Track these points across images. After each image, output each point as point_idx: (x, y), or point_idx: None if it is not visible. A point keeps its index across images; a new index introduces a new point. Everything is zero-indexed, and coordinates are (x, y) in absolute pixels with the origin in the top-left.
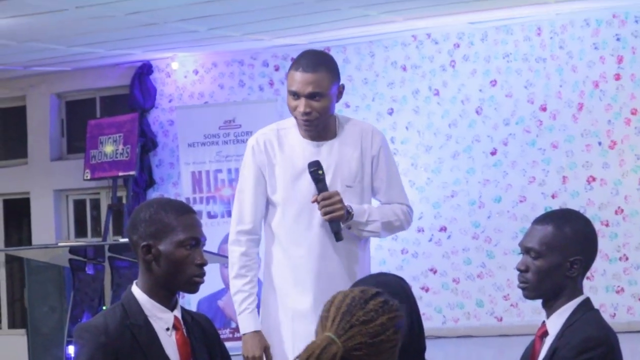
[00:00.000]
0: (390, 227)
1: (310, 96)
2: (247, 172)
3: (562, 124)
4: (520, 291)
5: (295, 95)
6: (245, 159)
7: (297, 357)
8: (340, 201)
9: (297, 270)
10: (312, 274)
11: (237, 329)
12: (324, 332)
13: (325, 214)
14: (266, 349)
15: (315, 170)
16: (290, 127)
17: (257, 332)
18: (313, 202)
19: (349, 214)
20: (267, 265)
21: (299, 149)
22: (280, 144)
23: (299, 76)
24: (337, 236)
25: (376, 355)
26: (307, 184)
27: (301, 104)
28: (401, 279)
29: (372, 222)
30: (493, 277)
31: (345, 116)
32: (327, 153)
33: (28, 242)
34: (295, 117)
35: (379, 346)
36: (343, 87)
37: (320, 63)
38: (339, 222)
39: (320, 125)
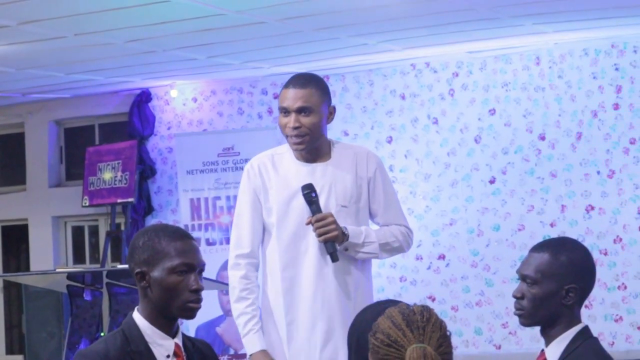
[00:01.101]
0: (389, 249)
1: (299, 111)
2: (243, 197)
3: (561, 153)
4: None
5: (285, 111)
6: (241, 184)
7: None
8: (334, 222)
9: (293, 292)
10: (309, 296)
11: (235, 356)
12: (410, 345)
13: (319, 235)
14: None
15: (309, 192)
16: (284, 152)
17: (264, 351)
18: (307, 224)
19: (344, 235)
20: (264, 290)
21: (294, 171)
22: (274, 168)
23: (288, 92)
24: (333, 257)
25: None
26: (301, 205)
27: (291, 120)
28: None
29: (369, 243)
30: (492, 305)
31: (340, 141)
32: (321, 174)
33: (26, 268)
34: (287, 137)
35: (447, 336)
36: (334, 108)
37: (309, 80)
38: (334, 243)
39: (311, 143)
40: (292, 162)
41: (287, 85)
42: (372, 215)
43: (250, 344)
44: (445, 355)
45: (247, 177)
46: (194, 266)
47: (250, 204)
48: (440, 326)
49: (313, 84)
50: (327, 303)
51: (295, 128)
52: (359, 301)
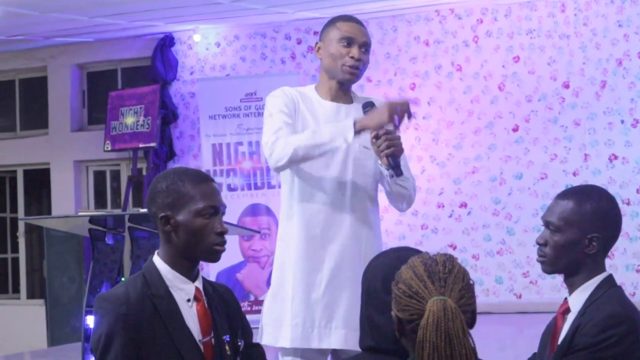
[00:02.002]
0: (408, 195)
1: (363, 45)
2: (276, 105)
3: (585, 101)
4: (539, 268)
5: (350, 41)
6: (273, 101)
7: (421, 328)
8: (399, 137)
9: (310, 225)
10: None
11: (255, 302)
12: (431, 297)
13: (387, 147)
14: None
15: (370, 110)
16: (308, 92)
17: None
18: (373, 137)
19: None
20: (284, 221)
21: (318, 105)
22: (302, 99)
23: (353, 26)
24: (397, 170)
25: (472, 296)
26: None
27: (356, 50)
28: (418, 253)
29: (405, 178)
30: (513, 254)
31: (357, 92)
32: (345, 114)
33: (48, 212)
34: (341, 66)
35: (470, 287)
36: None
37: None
38: (397, 157)
39: (358, 79)
40: (317, 99)
41: (345, 19)
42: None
43: (342, 128)
44: (466, 306)
45: (283, 96)
46: (218, 209)
47: (286, 110)
48: (463, 277)
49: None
50: (340, 239)
51: (358, 60)
52: (375, 247)
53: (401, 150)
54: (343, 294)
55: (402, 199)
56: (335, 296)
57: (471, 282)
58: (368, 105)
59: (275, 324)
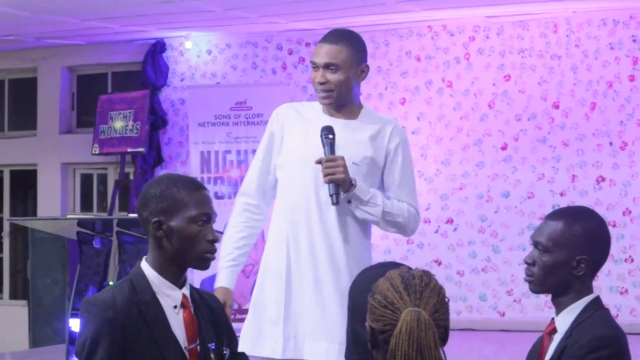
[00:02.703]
0: (392, 221)
1: (327, 66)
2: (262, 141)
3: (574, 122)
4: (524, 287)
5: (314, 65)
6: (265, 130)
7: (392, 337)
8: (343, 165)
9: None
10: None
11: (239, 311)
12: (405, 308)
13: (325, 175)
14: (226, 305)
15: (326, 134)
16: (313, 105)
17: (222, 288)
18: (317, 163)
19: (351, 185)
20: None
21: (315, 118)
22: (298, 114)
23: (320, 47)
24: (333, 199)
25: (446, 312)
26: (314, 147)
27: (319, 74)
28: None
29: (373, 205)
30: (497, 272)
31: (373, 110)
32: (342, 129)
33: (33, 213)
34: (316, 91)
35: (445, 302)
36: (367, 67)
37: (342, 37)
38: (338, 186)
39: (338, 99)
40: (315, 113)
41: (321, 39)
42: (384, 189)
43: (218, 279)
44: (440, 321)
45: (270, 123)
46: (211, 217)
47: (264, 150)
48: (439, 292)
49: (345, 40)
50: (321, 250)
51: (321, 83)
52: (351, 260)
53: (341, 179)
54: (325, 306)
55: (390, 226)
56: (314, 308)
57: (446, 299)
58: (325, 129)
59: (252, 334)
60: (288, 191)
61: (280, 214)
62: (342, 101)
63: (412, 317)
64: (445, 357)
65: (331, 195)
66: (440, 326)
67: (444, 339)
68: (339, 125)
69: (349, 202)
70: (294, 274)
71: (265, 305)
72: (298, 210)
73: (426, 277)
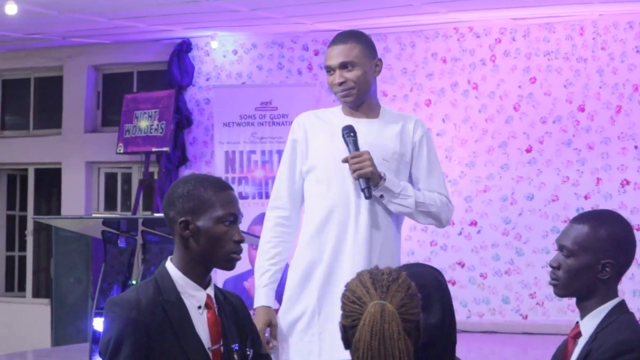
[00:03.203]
0: (425, 210)
1: (343, 66)
2: (285, 151)
3: (599, 125)
4: (546, 290)
5: (329, 69)
6: (287, 139)
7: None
8: (370, 159)
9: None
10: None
11: None
12: (371, 302)
13: (353, 171)
14: (271, 326)
15: (348, 132)
16: (334, 111)
17: (265, 308)
18: (343, 161)
19: (380, 178)
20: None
21: (337, 121)
22: (319, 119)
23: (332, 50)
24: (365, 192)
25: (415, 307)
26: (340, 148)
27: (336, 76)
28: (437, 272)
29: (405, 196)
30: (521, 275)
31: (391, 109)
32: (366, 129)
33: (57, 212)
34: (336, 94)
35: (414, 297)
36: (380, 61)
37: (349, 35)
38: (368, 180)
39: (359, 96)
40: (338, 116)
41: (329, 45)
42: (413, 182)
43: (258, 298)
44: (408, 315)
45: (292, 131)
46: (237, 217)
47: (289, 159)
48: (408, 288)
49: (353, 38)
50: (354, 250)
51: (341, 84)
52: (382, 258)
53: (369, 172)
54: None
55: (424, 217)
56: None
57: (417, 295)
58: (346, 129)
59: (282, 338)
60: (320, 195)
61: (314, 218)
62: (363, 98)
63: (376, 309)
64: (412, 347)
65: (363, 190)
66: (409, 320)
67: (415, 335)
68: (363, 124)
69: (382, 197)
70: (330, 276)
71: (299, 307)
72: (333, 213)
73: (395, 274)
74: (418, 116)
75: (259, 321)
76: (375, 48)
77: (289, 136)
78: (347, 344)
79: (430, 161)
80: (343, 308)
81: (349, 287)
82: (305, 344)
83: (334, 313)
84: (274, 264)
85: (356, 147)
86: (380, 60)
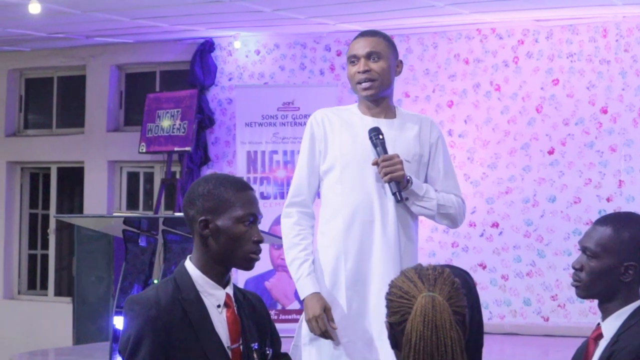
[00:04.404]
0: (445, 213)
1: (369, 55)
2: (303, 148)
3: (622, 127)
4: (568, 292)
5: (354, 59)
6: (304, 136)
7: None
8: (401, 162)
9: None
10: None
11: (283, 311)
12: (420, 294)
13: (385, 174)
14: (327, 310)
15: (376, 134)
16: (349, 108)
17: (316, 294)
18: (374, 164)
19: (407, 182)
20: (319, 240)
21: (358, 120)
22: (338, 117)
23: (358, 42)
24: (397, 197)
25: (462, 300)
26: (365, 152)
27: (360, 64)
28: (466, 273)
29: (428, 199)
30: (542, 277)
31: (404, 109)
32: (387, 128)
33: (79, 211)
34: (357, 85)
35: (459, 292)
36: (401, 62)
37: (377, 32)
38: (399, 183)
39: (380, 90)
40: (357, 115)
41: (355, 38)
42: (429, 183)
43: (303, 288)
44: (456, 307)
45: (310, 128)
46: (257, 217)
47: (308, 155)
48: (453, 282)
49: (380, 34)
50: (385, 250)
51: (365, 72)
52: (404, 260)
53: (401, 176)
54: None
55: (443, 218)
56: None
57: (462, 290)
58: (373, 131)
59: (311, 343)
60: (343, 195)
61: (337, 220)
62: (382, 94)
63: (427, 300)
64: (462, 336)
65: (394, 194)
66: (457, 313)
67: (462, 328)
68: (383, 124)
69: (407, 199)
70: (356, 277)
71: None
72: (359, 214)
73: (440, 269)
74: (440, 117)
75: (314, 308)
76: (397, 49)
77: (306, 132)
78: (395, 342)
79: (446, 162)
80: (389, 306)
81: (394, 284)
82: (332, 349)
83: (364, 316)
84: (309, 254)
85: (385, 150)
86: (401, 61)
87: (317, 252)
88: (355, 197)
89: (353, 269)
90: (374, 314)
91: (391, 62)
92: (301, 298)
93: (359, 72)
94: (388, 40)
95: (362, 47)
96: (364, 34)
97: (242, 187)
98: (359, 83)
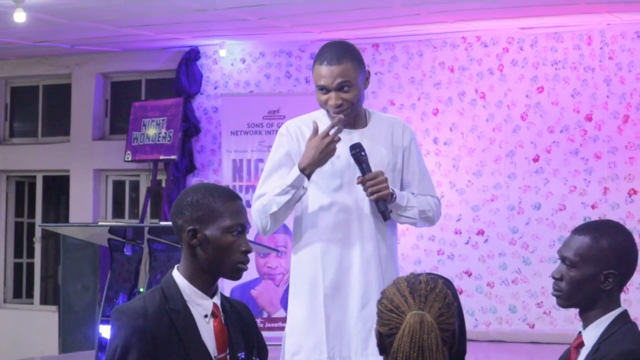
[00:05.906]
0: (424, 217)
1: (339, 88)
2: (275, 156)
3: (607, 134)
4: (554, 299)
5: (324, 89)
6: (274, 146)
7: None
8: (386, 180)
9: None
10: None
11: (268, 319)
12: (410, 311)
13: (371, 193)
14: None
15: (358, 152)
16: (321, 117)
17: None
18: (358, 183)
19: (392, 196)
20: (297, 255)
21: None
22: (310, 131)
23: (324, 70)
24: (384, 215)
25: (452, 316)
26: (340, 167)
27: (332, 97)
28: (449, 282)
29: (410, 207)
30: (528, 284)
31: (375, 111)
32: (359, 139)
33: (65, 219)
34: (328, 111)
35: (450, 307)
36: (369, 73)
37: (343, 53)
38: (384, 201)
39: (353, 114)
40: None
41: (320, 60)
42: (405, 185)
43: (293, 173)
44: (445, 325)
45: (282, 139)
46: (245, 228)
47: (279, 165)
48: (445, 297)
49: (347, 56)
50: (365, 266)
51: (338, 106)
52: (387, 270)
53: (387, 195)
54: (374, 321)
55: (423, 222)
56: (362, 323)
57: (453, 304)
58: (356, 147)
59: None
60: (322, 208)
61: (316, 232)
62: (357, 112)
63: (415, 319)
64: (447, 358)
65: (382, 212)
66: (445, 330)
67: (450, 343)
68: (356, 137)
69: (390, 211)
70: (336, 292)
71: (307, 325)
72: (339, 228)
73: (432, 282)
74: (426, 125)
75: (308, 153)
76: (362, 57)
77: (277, 142)
78: (383, 350)
79: (420, 164)
80: (380, 316)
81: (385, 295)
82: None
83: (342, 333)
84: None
85: (369, 167)
86: (368, 71)
87: (296, 265)
88: (333, 212)
89: (331, 286)
90: (354, 329)
91: (361, 82)
92: (299, 171)
93: (331, 104)
94: (354, 58)
95: (331, 78)
96: (330, 60)
97: (230, 197)
98: (331, 112)
